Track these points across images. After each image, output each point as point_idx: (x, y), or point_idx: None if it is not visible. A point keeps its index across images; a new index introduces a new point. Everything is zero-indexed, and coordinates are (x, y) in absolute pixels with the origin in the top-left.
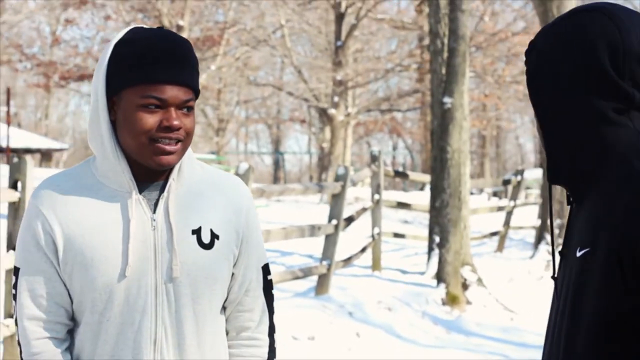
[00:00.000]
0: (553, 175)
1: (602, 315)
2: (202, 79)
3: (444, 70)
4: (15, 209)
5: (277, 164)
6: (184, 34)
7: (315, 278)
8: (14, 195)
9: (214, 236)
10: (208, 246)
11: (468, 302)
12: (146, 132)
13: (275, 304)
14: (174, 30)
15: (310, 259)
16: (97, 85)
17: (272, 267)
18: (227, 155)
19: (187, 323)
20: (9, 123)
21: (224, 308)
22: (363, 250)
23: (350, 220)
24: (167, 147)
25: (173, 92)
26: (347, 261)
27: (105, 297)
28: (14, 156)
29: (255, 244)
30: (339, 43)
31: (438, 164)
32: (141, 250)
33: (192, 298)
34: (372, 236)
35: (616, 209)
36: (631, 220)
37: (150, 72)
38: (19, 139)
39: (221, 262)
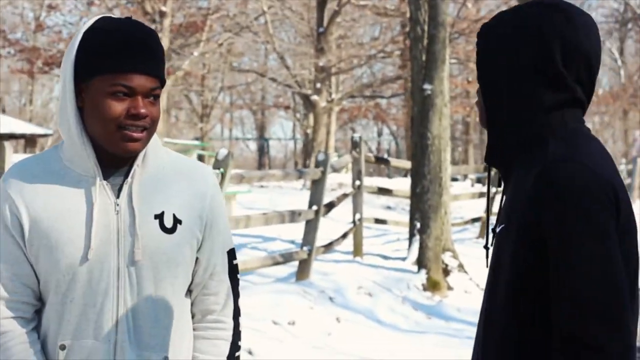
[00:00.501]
0: (488, 155)
1: (511, 284)
2: (185, 64)
3: (424, 57)
4: None
5: (262, 150)
6: (167, 20)
7: (296, 264)
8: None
9: (177, 221)
10: (170, 230)
11: (449, 288)
12: (114, 120)
13: (256, 289)
14: (157, 16)
15: (292, 244)
16: (65, 72)
17: (253, 253)
18: (211, 141)
19: (149, 306)
20: None
21: (189, 291)
22: (344, 236)
23: (331, 206)
24: (134, 134)
25: (140, 81)
26: (328, 247)
27: (68, 278)
28: None
29: (220, 229)
30: (321, 29)
31: (418, 150)
32: (104, 234)
33: (154, 281)
34: (354, 222)
35: (524, 192)
36: (531, 204)
37: (119, 61)
38: (3, 124)
39: (183, 246)
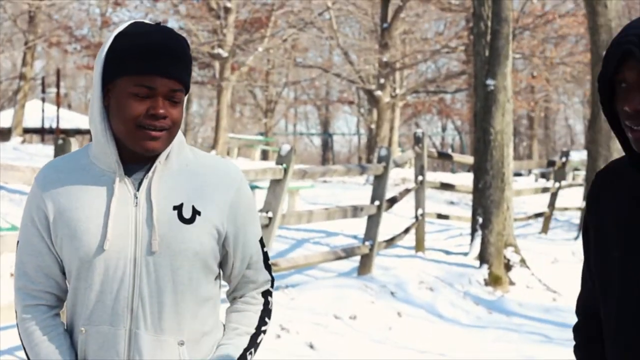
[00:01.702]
0: None
1: None
2: (250, 60)
3: (487, 53)
4: None
5: (326, 145)
6: (232, 16)
7: (358, 258)
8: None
9: (196, 212)
10: (189, 221)
11: (511, 283)
12: (134, 119)
13: (318, 284)
14: (222, 12)
15: (354, 239)
16: (95, 73)
17: (315, 248)
18: (275, 137)
19: (166, 293)
20: (58, 104)
21: (219, 281)
22: (406, 231)
23: (393, 201)
24: (152, 133)
25: (161, 83)
26: (390, 242)
27: (87, 266)
28: (60, 138)
29: (251, 221)
30: (385, 25)
31: (481, 146)
32: (122, 225)
33: (170, 269)
34: (416, 217)
35: None
36: None
37: (142, 63)
38: (69, 120)
39: (202, 236)
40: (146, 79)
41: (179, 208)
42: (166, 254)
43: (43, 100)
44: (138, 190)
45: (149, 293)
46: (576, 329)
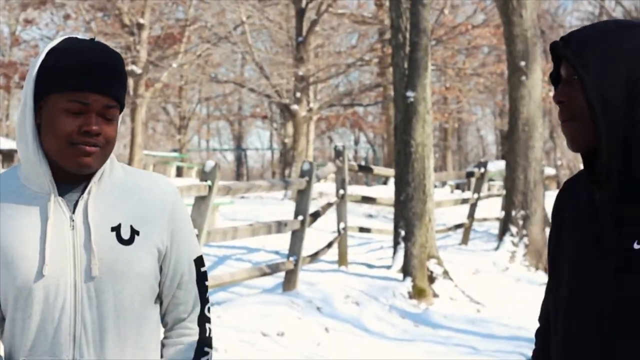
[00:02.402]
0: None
1: None
2: (164, 77)
3: (406, 64)
4: None
5: (240, 161)
6: (145, 32)
7: (282, 274)
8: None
9: (134, 232)
10: (128, 242)
11: (435, 295)
12: (66, 136)
13: (244, 301)
14: (135, 28)
15: (276, 255)
16: (26, 90)
17: (238, 264)
18: (189, 153)
19: (109, 319)
20: None
21: (159, 302)
22: (329, 245)
23: (316, 215)
24: (87, 149)
25: (95, 99)
26: (314, 257)
27: (25, 294)
28: None
29: (184, 238)
30: (300, 39)
31: (402, 158)
32: (59, 250)
33: (113, 293)
34: (338, 231)
35: None
36: None
37: (76, 80)
38: None
39: (143, 256)
40: (79, 94)
41: (117, 229)
42: (107, 278)
43: None
44: (74, 212)
45: (91, 319)
46: (537, 334)
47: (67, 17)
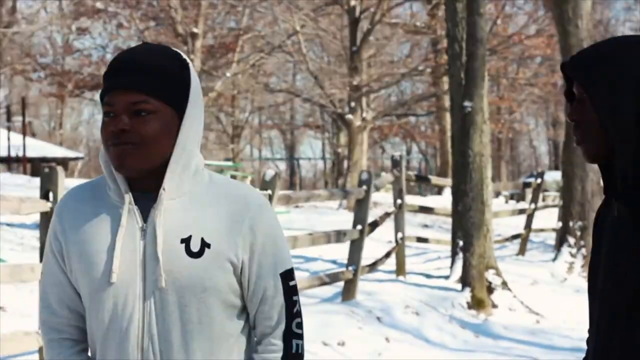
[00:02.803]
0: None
1: None
2: (218, 86)
3: (462, 74)
4: (47, 219)
5: (292, 170)
6: (198, 42)
7: (341, 284)
8: (46, 206)
9: (205, 244)
10: (197, 255)
11: (494, 306)
12: (105, 142)
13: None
14: (188, 38)
15: (334, 264)
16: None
17: (298, 274)
18: (242, 162)
19: (175, 332)
20: (24, 133)
21: (245, 315)
22: (388, 255)
23: (374, 225)
24: (118, 150)
25: (119, 98)
26: (373, 266)
27: (96, 301)
28: (46, 166)
29: (267, 251)
30: (354, 48)
31: (459, 168)
32: (130, 259)
33: (178, 306)
34: (396, 241)
35: None
36: None
37: (105, 82)
38: (35, 148)
39: (212, 270)
40: (108, 97)
41: (186, 241)
42: (172, 291)
43: (8, 129)
44: (146, 222)
45: (158, 332)
46: (587, 342)
47: (120, 26)
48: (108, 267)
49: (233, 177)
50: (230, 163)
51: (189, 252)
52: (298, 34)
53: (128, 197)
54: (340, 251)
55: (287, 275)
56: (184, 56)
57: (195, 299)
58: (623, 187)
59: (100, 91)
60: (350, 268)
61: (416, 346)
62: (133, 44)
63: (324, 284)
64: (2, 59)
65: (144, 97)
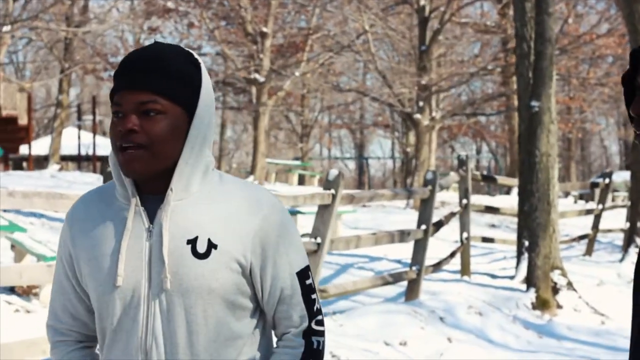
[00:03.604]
0: None
1: None
2: (287, 85)
3: (530, 74)
4: None
5: (361, 169)
6: (268, 41)
7: (404, 283)
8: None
9: (211, 245)
10: (203, 256)
11: (558, 306)
12: (114, 142)
13: (367, 310)
14: (258, 37)
15: (398, 264)
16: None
17: (360, 273)
18: (311, 161)
19: (180, 334)
20: (95, 131)
21: (257, 317)
22: (452, 255)
23: (439, 225)
24: (127, 151)
25: (129, 97)
26: (437, 266)
27: (105, 304)
28: (108, 165)
29: (281, 251)
30: (422, 47)
31: (526, 168)
32: (136, 261)
33: (184, 308)
34: (461, 241)
35: None
36: None
37: (115, 82)
38: (105, 147)
39: (220, 271)
40: (117, 97)
41: (192, 242)
42: (178, 292)
43: (79, 127)
44: (152, 223)
45: (162, 333)
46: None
47: (190, 25)
48: (113, 270)
49: (301, 176)
50: (298, 162)
51: (195, 254)
52: (367, 33)
53: (135, 200)
54: (406, 251)
55: (304, 274)
56: (196, 56)
57: (201, 300)
58: None
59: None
60: (413, 268)
61: (478, 346)
62: (204, 43)
63: (387, 283)
64: (73, 58)
65: (153, 97)
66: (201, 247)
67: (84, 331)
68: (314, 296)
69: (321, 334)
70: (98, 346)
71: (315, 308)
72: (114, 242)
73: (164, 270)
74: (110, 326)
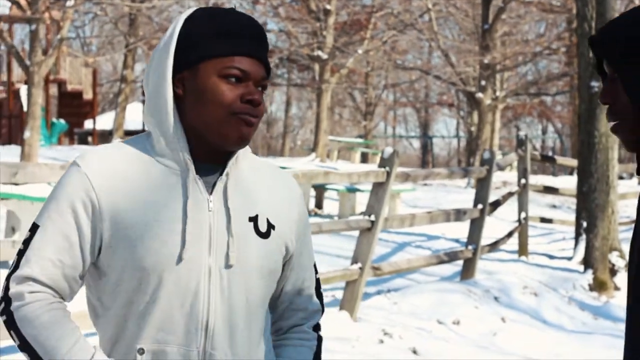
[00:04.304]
0: None
1: None
2: (349, 62)
3: (591, 54)
4: None
5: (425, 148)
6: (331, 18)
7: (461, 262)
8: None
9: (270, 226)
10: (265, 235)
11: (616, 288)
12: (228, 105)
13: (421, 288)
14: (321, 14)
15: (456, 243)
16: (161, 61)
17: (417, 251)
18: (375, 139)
19: (239, 314)
20: None
21: (271, 306)
22: (509, 235)
23: (496, 204)
24: (249, 119)
25: (255, 67)
26: (493, 246)
27: (153, 276)
28: None
29: (308, 241)
30: (486, 26)
31: (585, 148)
32: (197, 232)
33: (245, 288)
34: (519, 221)
35: None
36: None
37: (235, 44)
38: None
39: (276, 253)
40: (238, 60)
41: (254, 220)
42: (242, 270)
43: (143, 102)
44: (211, 194)
45: (222, 311)
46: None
47: (255, 2)
48: (177, 240)
49: (364, 154)
50: (361, 140)
51: (258, 232)
52: (430, 11)
53: (192, 166)
54: (464, 230)
55: (316, 268)
56: None
57: (262, 281)
58: None
59: (217, 46)
60: (469, 247)
61: (532, 327)
62: (268, 20)
63: (441, 262)
64: (137, 33)
65: (266, 74)
66: (262, 226)
67: (63, 295)
68: (321, 290)
69: (321, 329)
70: (103, 326)
71: (324, 303)
72: (168, 209)
73: (232, 245)
74: (154, 302)
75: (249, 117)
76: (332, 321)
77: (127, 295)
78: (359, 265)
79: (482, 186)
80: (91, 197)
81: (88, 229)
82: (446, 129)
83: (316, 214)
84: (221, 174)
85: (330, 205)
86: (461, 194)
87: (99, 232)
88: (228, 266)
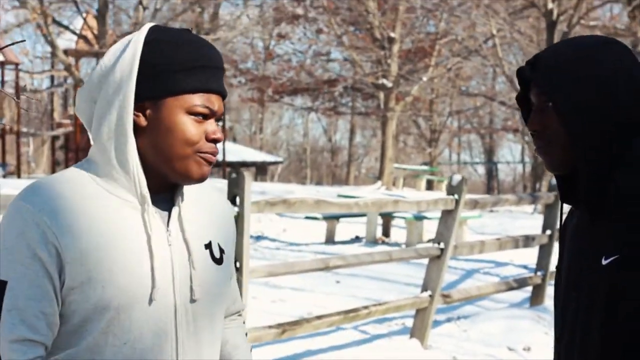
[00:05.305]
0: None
1: None
2: (414, 90)
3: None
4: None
5: (490, 174)
6: (396, 46)
7: (529, 289)
8: (233, 210)
9: (222, 250)
10: (219, 261)
11: None
12: (194, 144)
13: (490, 315)
14: (385, 42)
15: (524, 269)
16: (122, 89)
17: (485, 278)
18: (439, 166)
19: (205, 345)
20: (225, 137)
21: None
22: None
23: None
24: (212, 158)
25: (219, 103)
26: None
27: (123, 316)
28: (232, 171)
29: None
30: None
31: None
32: (162, 268)
33: (209, 317)
34: None
35: None
36: None
37: (203, 80)
38: (235, 153)
39: (229, 277)
40: (207, 98)
41: (209, 247)
42: (205, 301)
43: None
44: (167, 226)
45: (189, 347)
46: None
47: (319, 31)
48: (145, 280)
49: (429, 181)
50: (426, 167)
51: (214, 259)
52: (495, 37)
53: (148, 199)
54: (532, 256)
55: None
56: None
57: (221, 307)
58: (585, 199)
59: (187, 81)
60: (538, 273)
61: None
62: (332, 49)
63: (511, 288)
64: None
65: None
66: (216, 252)
67: (50, 343)
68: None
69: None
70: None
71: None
72: (133, 246)
73: (194, 279)
74: (125, 344)
75: (212, 156)
76: (402, 349)
77: (93, 338)
78: (429, 292)
79: (550, 212)
80: (51, 240)
81: (56, 274)
82: (511, 154)
83: (383, 242)
84: (172, 204)
85: (397, 233)
86: (528, 220)
87: (62, 276)
88: (192, 300)
